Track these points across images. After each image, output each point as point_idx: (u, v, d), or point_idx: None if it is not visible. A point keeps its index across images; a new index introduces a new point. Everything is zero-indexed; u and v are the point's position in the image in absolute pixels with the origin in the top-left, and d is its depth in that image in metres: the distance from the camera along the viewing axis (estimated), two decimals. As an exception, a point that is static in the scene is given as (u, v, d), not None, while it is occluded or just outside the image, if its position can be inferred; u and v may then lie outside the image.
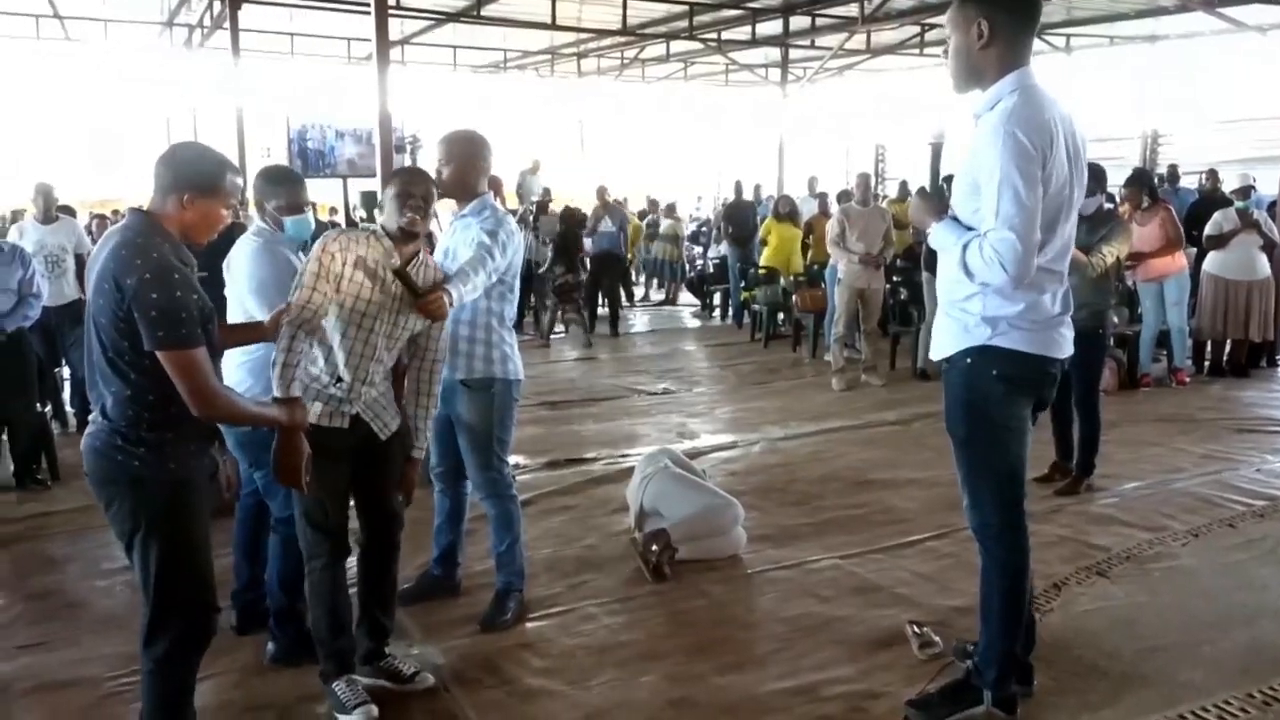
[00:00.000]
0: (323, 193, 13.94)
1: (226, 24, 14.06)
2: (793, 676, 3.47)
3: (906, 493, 5.54)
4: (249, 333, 3.10)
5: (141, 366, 2.45)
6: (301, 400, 2.96)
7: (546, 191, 15.01)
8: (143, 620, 2.62)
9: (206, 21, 14.86)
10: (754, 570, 4.45)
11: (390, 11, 12.38)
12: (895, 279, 9.63)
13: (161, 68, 19.25)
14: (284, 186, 3.57)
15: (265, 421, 2.87)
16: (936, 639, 3.63)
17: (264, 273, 3.37)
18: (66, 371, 7.53)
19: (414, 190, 3.10)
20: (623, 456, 6.39)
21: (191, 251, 2.61)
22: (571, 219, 11.41)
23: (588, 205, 17.00)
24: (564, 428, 7.27)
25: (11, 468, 5.91)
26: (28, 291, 5.83)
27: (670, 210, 16.32)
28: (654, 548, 4.36)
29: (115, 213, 13.21)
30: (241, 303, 3.43)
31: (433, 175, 3.59)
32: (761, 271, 11.43)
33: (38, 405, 6.24)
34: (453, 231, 3.75)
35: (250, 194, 3.93)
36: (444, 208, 4.15)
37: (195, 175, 2.52)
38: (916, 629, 3.69)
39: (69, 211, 8.17)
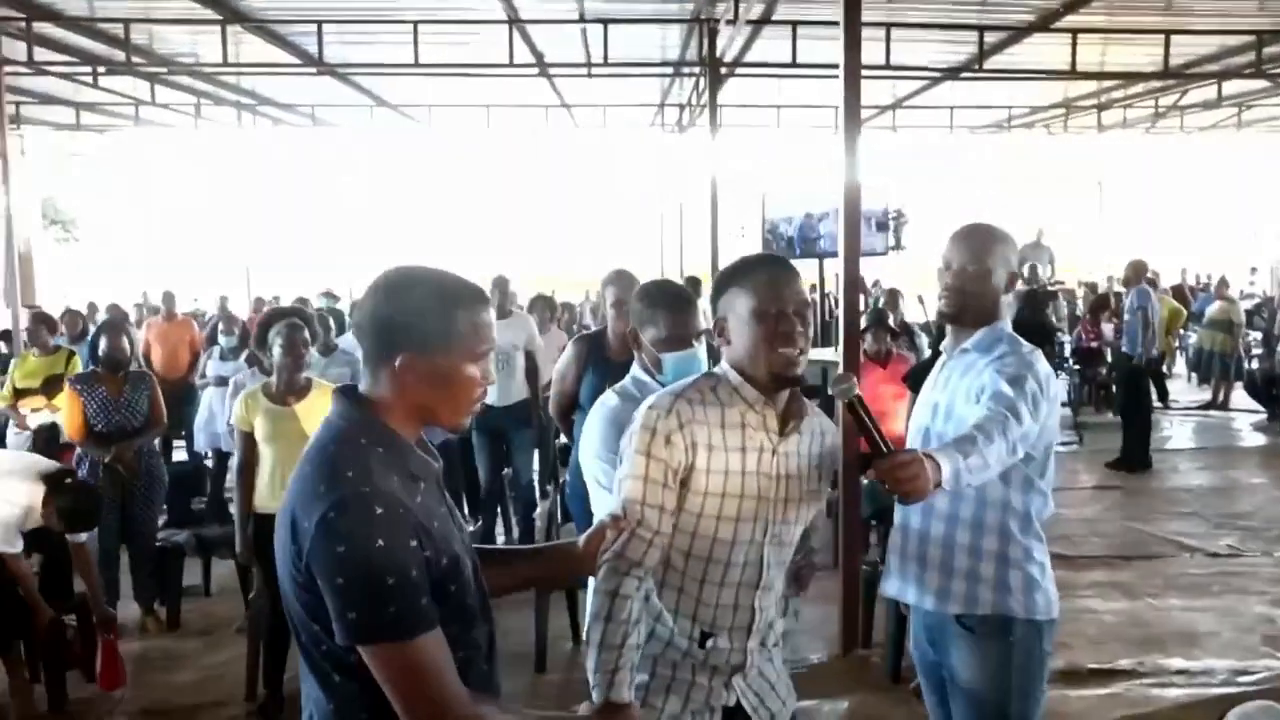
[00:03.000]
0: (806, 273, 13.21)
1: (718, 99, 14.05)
2: None
3: None
4: (556, 564, 2.01)
5: (345, 663, 1.51)
6: (633, 707, 1.84)
7: (1033, 269, 12.80)
8: None
9: (694, 101, 14.93)
10: None
11: (875, 73, 11.41)
12: None
13: (654, 150, 20.11)
14: (664, 311, 2.57)
15: None
16: None
17: (610, 454, 2.32)
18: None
19: (787, 292, 1.98)
20: (1178, 675, 4.47)
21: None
22: (1035, 302, 9.36)
23: (1105, 274, 14.56)
24: (1074, 602, 5.36)
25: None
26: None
27: (1221, 287, 13.34)
28: None
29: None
30: (594, 495, 2.43)
31: (947, 282, 2.48)
32: (1371, 378, 8.52)
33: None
34: (945, 377, 2.54)
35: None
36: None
37: (406, 322, 1.58)
38: None
39: (548, 303, 8.10)
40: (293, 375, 4.30)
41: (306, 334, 4.37)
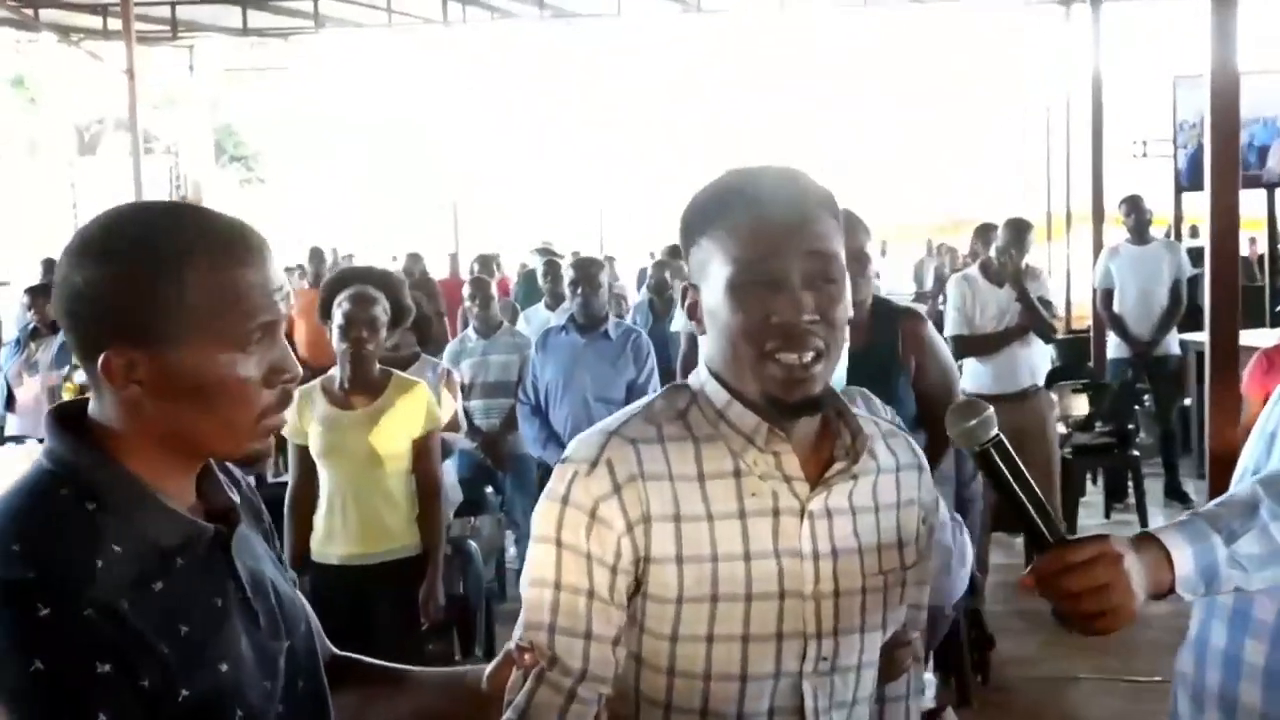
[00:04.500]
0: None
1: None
2: None
3: None
4: (458, 702, 1.78)
5: None
6: None
7: None
8: None
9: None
10: None
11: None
12: None
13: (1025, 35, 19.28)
14: None
15: None
16: None
17: None
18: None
19: (788, 241, 1.59)
20: None
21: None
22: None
23: None
24: None
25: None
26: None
27: None
28: None
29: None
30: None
31: None
32: None
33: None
34: None
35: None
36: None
37: (105, 297, 1.39)
38: None
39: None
40: (358, 367, 4.26)
41: (380, 308, 4.28)
